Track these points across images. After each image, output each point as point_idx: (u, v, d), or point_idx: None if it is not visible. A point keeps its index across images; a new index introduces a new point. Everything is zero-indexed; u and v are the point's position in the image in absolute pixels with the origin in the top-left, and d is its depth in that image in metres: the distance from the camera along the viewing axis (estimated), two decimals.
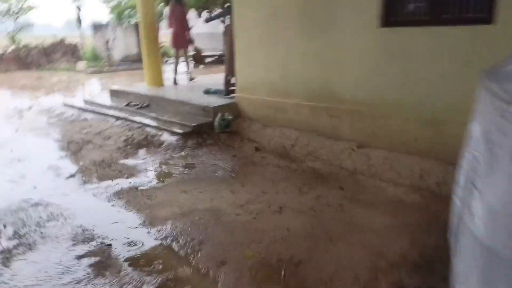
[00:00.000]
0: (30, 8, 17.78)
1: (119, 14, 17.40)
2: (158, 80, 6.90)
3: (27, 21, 18.46)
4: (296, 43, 4.50)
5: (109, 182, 3.72)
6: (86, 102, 6.83)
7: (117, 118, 5.79)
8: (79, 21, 19.02)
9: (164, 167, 4.10)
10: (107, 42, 16.11)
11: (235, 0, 5.10)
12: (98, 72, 14.02)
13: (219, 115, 4.97)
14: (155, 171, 4.00)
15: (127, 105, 6.15)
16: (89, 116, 6.25)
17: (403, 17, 3.74)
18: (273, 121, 4.92)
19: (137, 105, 6.06)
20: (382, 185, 3.53)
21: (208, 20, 6.23)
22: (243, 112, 5.30)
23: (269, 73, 4.89)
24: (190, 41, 7.26)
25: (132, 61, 17.26)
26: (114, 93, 6.89)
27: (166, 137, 4.91)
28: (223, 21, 6.03)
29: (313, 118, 4.50)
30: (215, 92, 5.83)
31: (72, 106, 6.85)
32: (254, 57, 5.03)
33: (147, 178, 3.82)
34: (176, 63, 7.47)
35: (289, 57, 4.61)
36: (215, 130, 4.98)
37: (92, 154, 4.56)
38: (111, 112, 6.04)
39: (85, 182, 3.74)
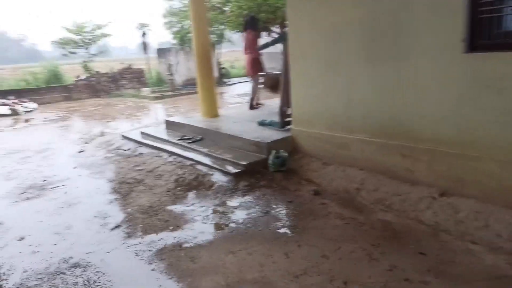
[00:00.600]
0: (103, 35, 18.93)
1: (182, 38, 17.84)
2: (212, 111, 6.64)
3: (100, 48, 19.70)
4: (361, 70, 3.92)
5: (153, 236, 3.41)
6: (142, 134, 6.77)
7: (170, 153, 5.59)
8: (144, 46, 19.96)
9: (212, 216, 3.71)
10: (170, 66, 16.58)
11: (290, 22, 4.66)
12: (161, 98, 14.34)
13: (273, 152, 4.51)
14: (202, 222, 3.62)
15: (181, 139, 5.94)
16: (144, 150, 6.14)
17: (495, 39, 3.01)
18: (335, 159, 4.34)
19: (190, 139, 5.82)
20: (476, 250, 2.80)
21: (263, 47, 5.87)
22: (300, 147, 4.79)
23: (329, 104, 4.34)
24: (262, 67, 7.03)
25: (194, 85, 17.62)
26: (169, 125, 6.76)
27: (217, 177, 4.55)
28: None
29: (382, 157, 3.86)
30: (270, 124, 5.39)
31: (129, 139, 6.83)
32: (312, 86, 4.52)
33: (193, 231, 3.45)
34: (254, 90, 7.21)
35: (353, 86, 4.04)
36: (269, 169, 4.52)
37: (141, 197, 4.33)
38: (165, 146, 5.86)
39: (129, 236, 3.46)
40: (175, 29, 17.91)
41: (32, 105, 13.68)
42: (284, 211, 3.68)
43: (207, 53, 6.52)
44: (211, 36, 21.08)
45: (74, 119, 11.39)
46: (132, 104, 13.45)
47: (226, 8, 16.22)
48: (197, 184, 4.53)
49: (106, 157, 6.20)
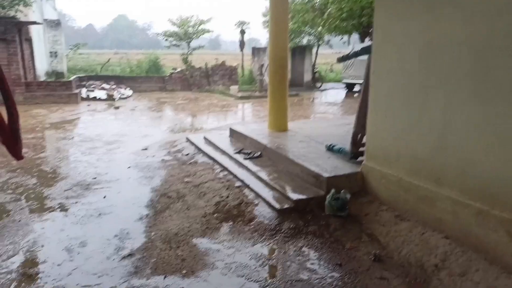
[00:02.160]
0: (205, 31, 19.39)
1: None
2: (280, 124, 5.91)
3: (200, 43, 20.26)
4: (465, 105, 2.82)
5: (160, 279, 2.82)
6: (205, 140, 6.33)
7: (223, 168, 5.01)
8: (241, 44, 19.96)
9: (234, 266, 2.99)
10: (261, 66, 16.22)
11: (377, 32, 3.68)
12: (247, 98, 14.02)
13: (333, 191, 3.61)
14: (221, 272, 2.92)
15: (239, 152, 5.32)
16: (201, 159, 5.68)
17: None
18: (413, 214, 3.28)
19: (249, 154, 5.16)
20: None
21: (341, 60, 4.92)
22: (369, 189, 3.79)
23: (414, 141, 3.29)
24: None
25: None
26: (232, 133, 6.20)
27: (261, 210, 3.81)
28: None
29: (479, 229, 2.72)
30: (339, 151, 4.46)
31: (191, 143, 6.45)
32: (394, 115, 3.50)
33: (205, 284, 2.77)
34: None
35: (450, 125, 2.95)
36: (325, 211, 3.63)
37: (172, 219, 3.80)
38: (220, 158, 5.30)
39: (135, 272, 2.92)
40: None
41: (128, 92, 14.45)
42: (326, 280, 2.79)
43: (282, 58, 5.79)
44: (308, 38, 20.30)
45: (159, 111, 11.61)
46: (216, 102, 13.35)
47: (327, 10, 15.27)
48: (236, 213, 3.84)
49: (163, 160, 5.88)
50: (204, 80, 16.75)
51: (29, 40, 13.88)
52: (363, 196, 3.80)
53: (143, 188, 4.75)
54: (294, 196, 3.77)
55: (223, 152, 5.51)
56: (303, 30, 19.03)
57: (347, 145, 4.39)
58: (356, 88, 16.53)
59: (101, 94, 13.18)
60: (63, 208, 4.14)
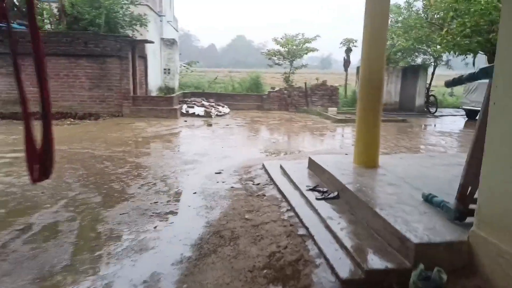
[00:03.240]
0: (309, 49, 18.90)
1: (387, 57, 15.97)
2: (368, 158, 4.91)
3: (306, 62, 19.78)
4: None
5: None
6: (281, 169, 5.64)
7: (290, 207, 4.25)
8: (346, 63, 18.92)
9: None
10: None
11: (502, 49, 2.58)
12: (344, 121, 12.96)
13: (421, 267, 2.57)
14: None
15: (313, 189, 4.51)
16: (270, 191, 5.00)
17: None
18: None
19: (323, 193, 4.31)
20: None
21: (450, 84, 3.74)
22: (478, 268, 2.64)
23: None
24: None
25: (390, 110, 15.46)
26: (311, 165, 5.40)
27: (321, 276, 2.94)
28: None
29: None
30: (440, 205, 3.33)
31: (266, 171, 5.83)
32: None
33: None
34: None
35: None
36: None
37: (214, 268, 3.17)
38: (290, 194, 4.56)
39: None
40: None
41: (225, 109, 14.60)
42: None
43: (377, 78, 4.82)
44: (424, 57, 18.28)
45: (250, 130, 11.33)
46: (311, 124, 12.59)
47: (446, 25, 13.41)
48: (290, 274, 3.04)
49: (232, 187, 5.36)
50: (302, 100, 16.15)
51: (144, 58, 15.05)
52: (468, 278, 2.66)
53: (199, 221, 4.24)
54: (368, 263, 2.82)
55: (296, 187, 4.75)
56: (417, 48, 17.21)
57: (452, 197, 3.25)
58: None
59: (200, 110, 13.51)
60: (109, 236, 3.84)
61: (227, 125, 12.14)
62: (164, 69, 20.10)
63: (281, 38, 18.56)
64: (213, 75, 25.24)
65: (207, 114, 13.40)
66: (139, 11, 14.58)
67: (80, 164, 6.55)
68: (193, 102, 14.33)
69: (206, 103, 14.50)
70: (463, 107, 15.22)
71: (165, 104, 12.69)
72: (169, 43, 19.98)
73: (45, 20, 12.68)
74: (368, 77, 4.83)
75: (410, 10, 16.84)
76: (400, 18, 16.89)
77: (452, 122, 14.55)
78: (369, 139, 4.94)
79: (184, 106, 13.75)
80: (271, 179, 5.39)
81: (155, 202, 4.78)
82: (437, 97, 17.79)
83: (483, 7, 11.52)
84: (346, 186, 4.11)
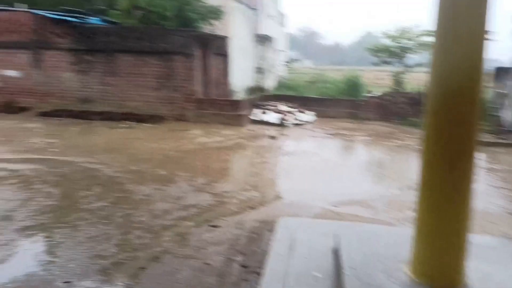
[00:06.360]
0: (426, 44, 15.05)
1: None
2: (443, 267, 2.15)
3: (416, 60, 15.95)
4: None
5: None
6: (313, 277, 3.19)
7: None
8: None
9: None
10: (501, 95, 10.87)
11: None
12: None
13: None
14: None
15: None
16: None
17: None
18: None
19: None
20: None
21: None
22: None
23: None
24: None
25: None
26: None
27: None
28: None
29: None
30: None
31: (275, 240, 3.44)
32: None
33: None
34: None
35: None
36: None
37: None
38: None
39: None
40: None
41: (308, 117, 12.15)
42: None
43: (467, 89, 2.05)
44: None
45: (318, 149, 8.74)
46: (414, 144, 9.27)
47: None
48: None
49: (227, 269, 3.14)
50: (409, 109, 12.63)
51: (223, 55, 13.54)
52: None
53: None
54: None
55: None
56: None
57: None
58: None
59: (273, 117, 11.36)
60: None
61: (297, 139, 9.75)
62: (257, 67, 18.47)
63: (396, 31, 15.08)
64: (330, 74, 22.67)
65: (281, 123, 11.17)
66: (220, 3, 13.09)
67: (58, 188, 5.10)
68: (269, 107, 12.24)
69: (285, 109, 12.26)
70: None
71: (230, 109, 10.89)
72: (262, 40, 18.24)
73: (119, 15, 12.05)
74: (446, 86, 2.09)
75: None
76: None
77: None
78: (448, 229, 2.17)
79: (258, 112, 11.77)
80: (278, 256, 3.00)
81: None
82: None
83: None
84: None
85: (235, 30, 15.17)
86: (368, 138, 10.02)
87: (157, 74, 11.27)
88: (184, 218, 4.41)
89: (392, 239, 3.08)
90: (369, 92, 13.90)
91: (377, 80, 18.88)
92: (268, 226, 4.15)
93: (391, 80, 15.16)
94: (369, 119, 12.59)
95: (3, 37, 11.73)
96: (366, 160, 8.24)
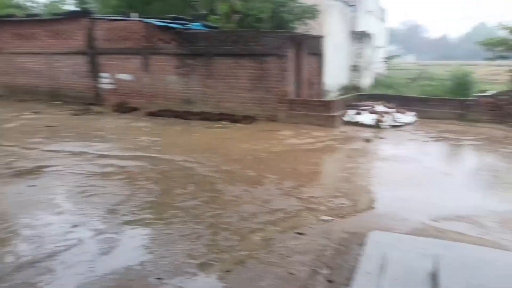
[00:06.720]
0: None
1: None
2: None
3: None
4: None
5: None
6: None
7: None
8: None
9: None
10: None
11: None
12: None
13: None
14: None
15: None
16: None
17: None
18: None
19: None
20: None
21: None
22: None
23: None
24: None
25: None
26: None
27: None
28: None
29: None
30: None
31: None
32: None
33: None
34: None
35: None
36: None
37: None
38: None
39: None
40: None
41: (408, 118, 11.29)
42: None
43: None
44: None
45: (424, 157, 8.02)
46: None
47: None
48: None
49: None
50: None
51: (318, 54, 13.30)
52: None
53: None
54: None
55: None
56: None
57: None
58: None
59: (367, 118, 10.80)
60: None
61: (398, 140, 9.13)
62: (353, 66, 17.80)
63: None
64: (435, 70, 21.01)
65: (377, 124, 10.56)
66: (315, 1, 12.87)
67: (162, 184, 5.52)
68: (364, 107, 11.67)
69: (381, 109, 11.56)
70: None
71: (322, 110, 10.64)
72: (360, 36, 17.48)
73: (218, 19, 12.59)
74: None
75: None
76: None
77: None
78: None
79: (351, 112, 11.31)
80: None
81: None
82: None
83: None
84: None
85: (331, 28, 14.80)
86: (478, 142, 8.92)
87: (251, 75, 11.53)
88: (270, 223, 4.41)
89: (507, 268, 2.66)
90: (481, 90, 12.37)
91: (491, 77, 16.76)
92: (357, 239, 3.92)
93: (508, 78, 13.32)
94: (479, 121, 11.22)
95: (120, 44, 13.14)
96: (475, 169, 7.34)
